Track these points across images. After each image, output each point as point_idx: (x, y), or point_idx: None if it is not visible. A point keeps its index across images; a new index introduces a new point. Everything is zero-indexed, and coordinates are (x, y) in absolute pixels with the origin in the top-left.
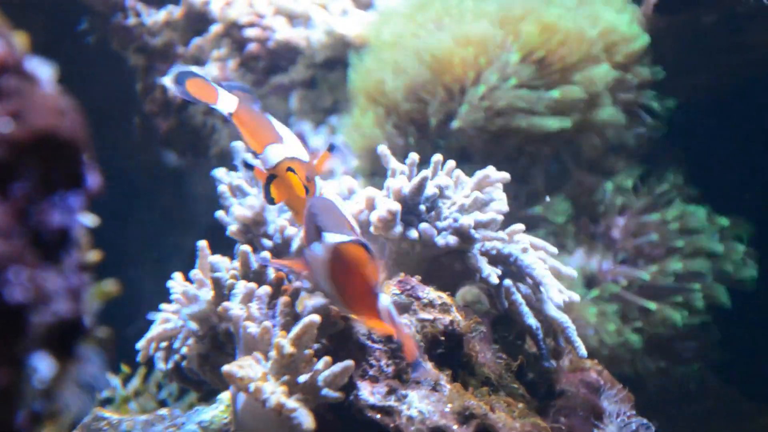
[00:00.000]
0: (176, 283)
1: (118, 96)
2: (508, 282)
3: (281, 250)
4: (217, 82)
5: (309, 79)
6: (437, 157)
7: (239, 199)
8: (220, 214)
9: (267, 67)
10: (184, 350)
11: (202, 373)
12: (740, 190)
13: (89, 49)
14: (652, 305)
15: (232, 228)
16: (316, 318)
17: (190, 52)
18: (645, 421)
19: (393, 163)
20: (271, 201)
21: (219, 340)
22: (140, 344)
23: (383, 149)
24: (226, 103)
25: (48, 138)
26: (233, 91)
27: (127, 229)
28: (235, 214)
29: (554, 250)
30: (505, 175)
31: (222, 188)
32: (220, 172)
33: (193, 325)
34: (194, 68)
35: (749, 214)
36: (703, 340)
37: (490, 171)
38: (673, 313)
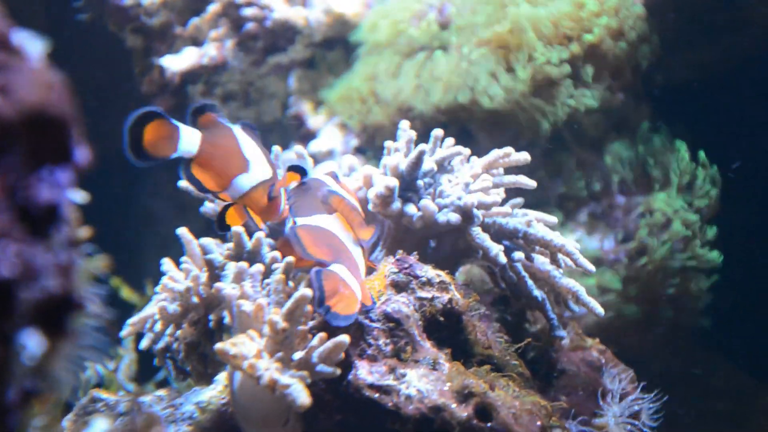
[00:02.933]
0: (168, 267)
1: (116, 78)
2: (519, 255)
3: (276, 229)
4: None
5: (308, 58)
6: (437, 131)
7: None
8: (204, 209)
9: (265, 47)
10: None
11: (188, 363)
12: (739, 167)
13: (86, 30)
14: (644, 259)
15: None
16: (308, 292)
17: (188, 32)
18: (649, 396)
19: (389, 142)
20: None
21: (209, 329)
22: (131, 321)
23: (404, 124)
24: (188, 143)
25: (35, 112)
26: (199, 117)
27: (130, 214)
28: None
29: (554, 219)
30: (526, 157)
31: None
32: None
33: (170, 329)
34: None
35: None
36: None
37: (509, 149)
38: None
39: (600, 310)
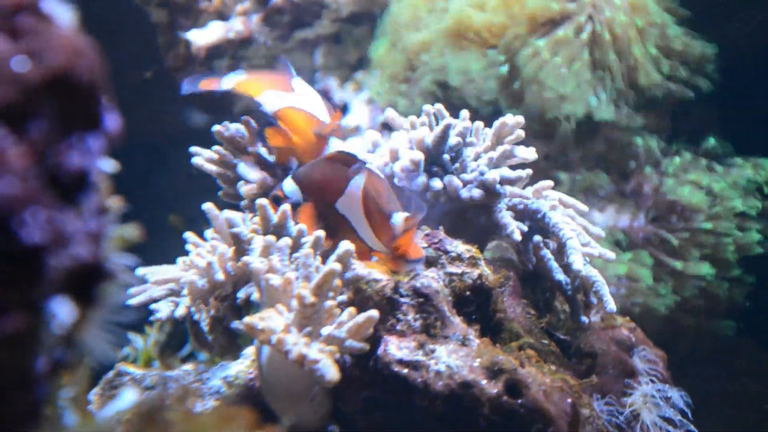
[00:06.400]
0: (194, 240)
1: (141, 52)
2: (537, 237)
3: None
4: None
5: (334, 33)
6: (438, 106)
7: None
8: (223, 192)
9: (291, 22)
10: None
11: (212, 336)
12: None
13: (111, 4)
14: (679, 264)
15: (246, 191)
16: (337, 266)
17: (214, 6)
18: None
19: (404, 121)
20: (268, 147)
21: (236, 306)
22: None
23: (390, 113)
24: (229, 80)
25: (65, 77)
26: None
27: (151, 192)
28: (243, 192)
29: (585, 208)
30: (519, 119)
31: (209, 168)
32: (200, 160)
33: (187, 302)
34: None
35: None
36: (733, 294)
37: (507, 118)
38: (701, 268)
39: (612, 306)
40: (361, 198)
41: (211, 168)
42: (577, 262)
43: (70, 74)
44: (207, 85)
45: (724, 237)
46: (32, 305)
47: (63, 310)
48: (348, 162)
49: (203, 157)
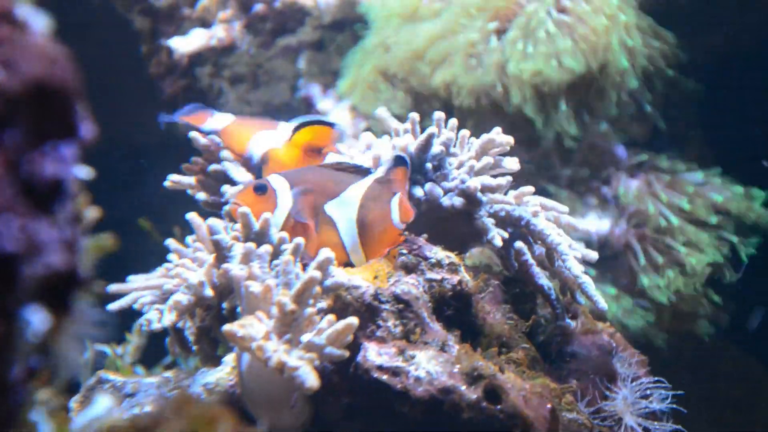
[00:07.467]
0: (176, 247)
1: (123, 59)
2: (519, 244)
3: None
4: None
5: (317, 40)
6: (439, 114)
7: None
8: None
9: (274, 29)
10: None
11: (196, 347)
12: (757, 153)
13: (94, 11)
14: (646, 281)
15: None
16: (317, 274)
17: (196, 13)
18: (657, 379)
19: (394, 123)
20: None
21: (222, 315)
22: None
23: (382, 112)
24: (218, 121)
25: (39, 86)
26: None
27: (135, 201)
28: (230, 195)
29: (565, 209)
30: (509, 139)
31: (187, 182)
32: (174, 182)
33: (174, 316)
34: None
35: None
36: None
37: (495, 134)
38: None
39: (604, 305)
40: (359, 204)
41: (189, 181)
42: (576, 266)
43: (44, 83)
44: (190, 120)
45: (699, 254)
46: (6, 313)
47: (37, 318)
48: (346, 170)
49: (175, 178)
